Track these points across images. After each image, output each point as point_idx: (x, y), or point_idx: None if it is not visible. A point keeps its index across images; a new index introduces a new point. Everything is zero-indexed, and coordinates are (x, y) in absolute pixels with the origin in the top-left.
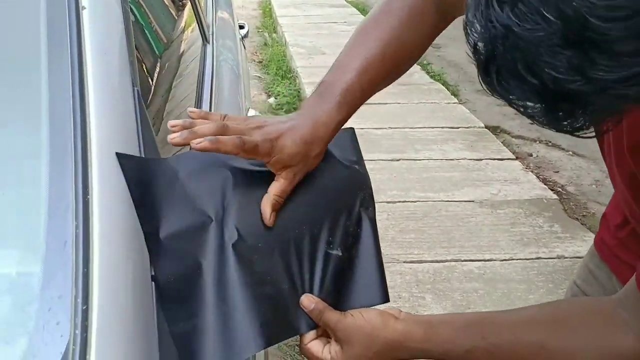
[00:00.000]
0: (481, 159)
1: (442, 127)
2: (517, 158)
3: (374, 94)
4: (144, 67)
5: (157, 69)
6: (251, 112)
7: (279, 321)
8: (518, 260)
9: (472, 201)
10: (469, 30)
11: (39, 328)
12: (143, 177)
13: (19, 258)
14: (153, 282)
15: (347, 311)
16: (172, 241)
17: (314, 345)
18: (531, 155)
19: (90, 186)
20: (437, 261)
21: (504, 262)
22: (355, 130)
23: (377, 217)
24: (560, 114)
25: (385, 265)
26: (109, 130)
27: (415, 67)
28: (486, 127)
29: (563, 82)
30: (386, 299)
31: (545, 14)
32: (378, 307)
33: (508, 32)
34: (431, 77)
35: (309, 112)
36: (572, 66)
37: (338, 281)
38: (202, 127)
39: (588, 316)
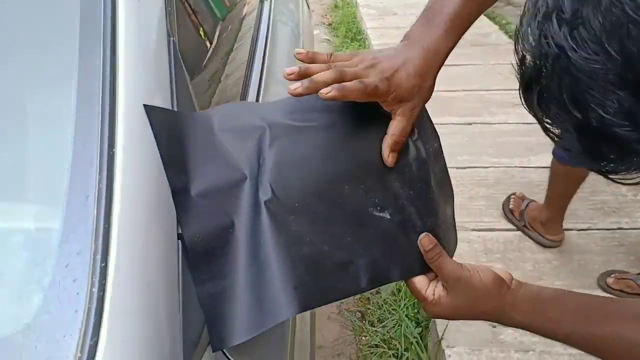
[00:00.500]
0: None
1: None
2: None
3: (477, 18)
4: (191, 21)
5: (207, 25)
6: None
7: (319, 285)
8: (597, 231)
9: (549, 167)
10: (519, 38)
11: (55, 284)
12: (173, 131)
13: (39, 212)
14: (179, 241)
15: (465, 264)
16: (204, 198)
17: (419, 280)
18: None
19: (115, 140)
20: (508, 229)
21: (582, 232)
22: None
23: None
24: (597, 154)
25: None
26: (138, 82)
27: (493, 27)
28: None
29: (609, 123)
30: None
31: (607, 46)
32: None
33: (561, 53)
34: (510, 37)
35: (418, 41)
36: (622, 109)
37: (384, 246)
38: (321, 75)
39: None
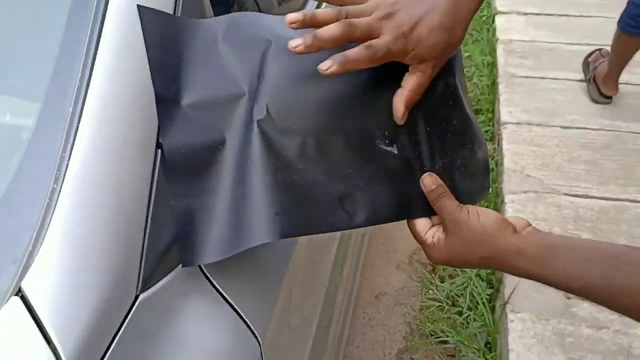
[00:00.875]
0: None
1: None
2: None
3: None
4: None
5: None
6: None
7: (306, 214)
8: None
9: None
10: None
11: (19, 177)
12: (167, 36)
13: (16, 104)
14: (159, 150)
15: (466, 205)
16: (196, 110)
17: (421, 222)
18: None
19: (100, 41)
20: (605, 198)
21: None
22: (545, 45)
23: (547, 143)
24: None
25: (541, 195)
26: None
27: None
28: None
29: None
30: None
31: None
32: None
33: None
34: None
35: None
36: None
37: (388, 183)
38: (326, 30)
39: None
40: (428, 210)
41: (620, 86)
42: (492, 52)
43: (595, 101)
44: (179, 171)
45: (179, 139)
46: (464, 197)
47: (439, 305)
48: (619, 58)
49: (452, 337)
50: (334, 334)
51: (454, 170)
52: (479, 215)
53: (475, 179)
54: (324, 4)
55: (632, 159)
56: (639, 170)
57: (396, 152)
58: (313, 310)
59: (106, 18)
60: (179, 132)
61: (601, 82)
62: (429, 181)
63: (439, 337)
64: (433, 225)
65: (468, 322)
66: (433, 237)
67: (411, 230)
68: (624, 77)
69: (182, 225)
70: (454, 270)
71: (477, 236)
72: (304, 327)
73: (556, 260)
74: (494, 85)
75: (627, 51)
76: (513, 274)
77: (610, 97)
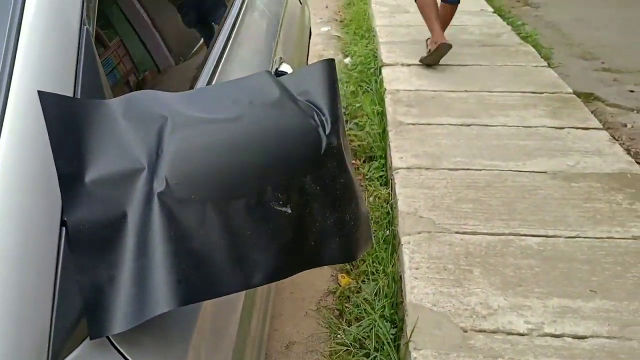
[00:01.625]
0: (563, 127)
1: (524, 92)
2: (607, 128)
3: None
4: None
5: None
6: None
7: (206, 279)
8: (585, 239)
9: (544, 172)
10: None
11: None
12: (67, 118)
13: None
14: (63, 227)
15: None
16: (98, 186)
17: None
18: (625, 126)
19: (3, 123)
20: (492, 234)
21: (569, 239)
22: (428, 93)
23: (436, 185)
24: None
25: (434, 235)
26: (38, 67)
27: (505, 27)
28: (576, 93)
29: None
30: (353, 257)
31: None
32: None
33: None
34: (522, 38)
35: None
36: None
37: (283, 241)
38: None
39: None
40: (319, 261)
41: (497, 128)
42: (381, 101)
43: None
44: (83, 246)
45: (82, 215)
46: (354, 248)
47: (347, 349)
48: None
49: None
50: None
51: (344, 225)
52: None
53: (363, 230)
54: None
55: (512, 195)
56: (519, 205)
57: (290, 211)
58: None
59: (8, 103)
60: (83, 209)
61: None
62: None
63: None
64: None
65: None
66: None
67: None
68: (500, 119)
69: (89, 298)
70: (360, 312)
71: None
72: None
73: None
74: (384, 132)
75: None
76: None
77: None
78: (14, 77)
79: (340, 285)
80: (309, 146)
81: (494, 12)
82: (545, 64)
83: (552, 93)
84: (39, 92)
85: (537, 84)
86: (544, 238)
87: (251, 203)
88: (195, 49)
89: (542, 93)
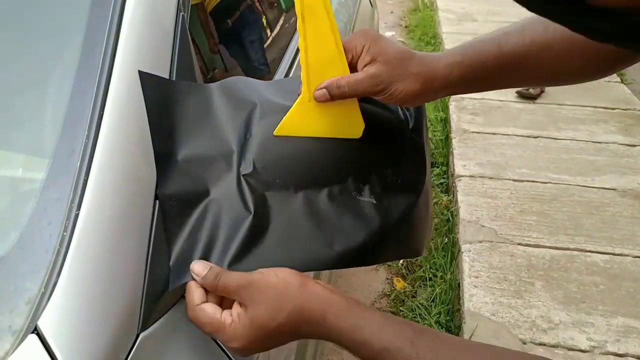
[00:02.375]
0: (635, 145)
1: (595, 107)
2: None
3: (497, 85)
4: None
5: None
6: None
7: (287, 255)
8: None
9: (614, 189)
10: None
11: (31, 225)
12: (165, 99)
13: (27, 160)
14: (156, 201)
15: (257, 270)
16: (189, 164)
17: (209, 306)
18: None
19: (106, 102)
20: (556, 248)
21: (637, 258)
22: (494, 102)
23: (499, 195)
24: None
25: (496, 245)
26: (138, 50)
27: None
28: None
29: None
30: (420, 253)
31: None
32: None
33: None
34: None
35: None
36: None
37: (367, 230)
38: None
39: None
40: (391, 255)
41: (565, 142)
42: (445, 108)
43: (522, 95)
44: (173, 219)
45: (173, 190)
46: (421, 245)
47: None
48: None
49: None
50: None
51: (416, 221)
52: (275, 272)
53: (429, 229)
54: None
55: (578, 210)
56: (586, 221)
57: (374, 202)
58: None
59: (112, 80)
60: (174, 184)
61: None
62: (198, 268)
63: None
64: (223, 310)
65: None
66: (231, 315)
67: (198, 318)
68: (569, 133)
69: (174, 255)
70: (414, 317)
71: (279, 291)
72: None
73: (361, 318)
74: (447, 139)
75: None
76: (313, 334)
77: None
78: (117, 59)
79: (396, 289)
80: (392, 139)
81: None
82: (619, 79)
83: (625, 110)
84: (139, 72)
85: (609, 99)
86: (611, 256)
87: (334, 191)
88: (270, 48)
89: (613, 109)
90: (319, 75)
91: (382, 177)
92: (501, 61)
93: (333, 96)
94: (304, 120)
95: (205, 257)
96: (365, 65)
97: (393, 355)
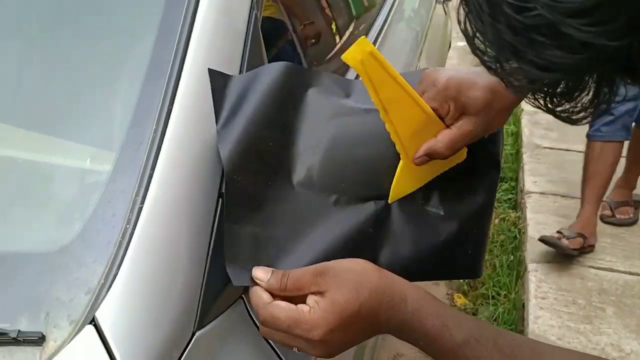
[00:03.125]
0: None
1: None
2: None
3: None
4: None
5: (311, 13)
6: None
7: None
8: None
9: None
10: None
11: (96, 216)
12: (233, 95)
13: (95, 152)
14: (220, 199)
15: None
16: (252, 163)
17: (282, 302)
18: None
19: (175, 98)
20: (631, 273)
21: None
22: None
23: (571, 214)
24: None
25: (565, 265)
26: (209, 48)
27: None
28: None
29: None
30: (480, 274)
31: None
32: None
33: None
34: None
35: None
36: None
37: (426, 241)
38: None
39: None
40: (451, 273)
41: None
42: (517, 122)
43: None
44: (235, 198)
45: (236, 167)
46: (481, 266)
47: None
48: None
49: None
50: None
51: (478, 240)
52: (346, 260)
53: (485, 250)
54: None
55: None
56: None
57: (442, 213)
58: None
59: (182, 76)
60: (237, 163)
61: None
62: (261, 274)
63: None
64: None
65: None
66: (308, 304)
67: (274, 316)
68: None
69: (230, 247)
70: None
71: (358, 272)
72: None
73: (444, 309)
74: (517, 154)
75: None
76: (396, 316)
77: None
78: (188, 56)
79: (456, 305)
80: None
81: None
82: None
83: None
84: (209, 69)
85: None
86: None
87: (399, 200)
88: (338, 54)
89: None
90: (414, 142)
91: (453, 188)
92: None
93: (434, 159)
94: (411, 178)
95: (260, 258)
96: (454, 121)
97: (474, 349)
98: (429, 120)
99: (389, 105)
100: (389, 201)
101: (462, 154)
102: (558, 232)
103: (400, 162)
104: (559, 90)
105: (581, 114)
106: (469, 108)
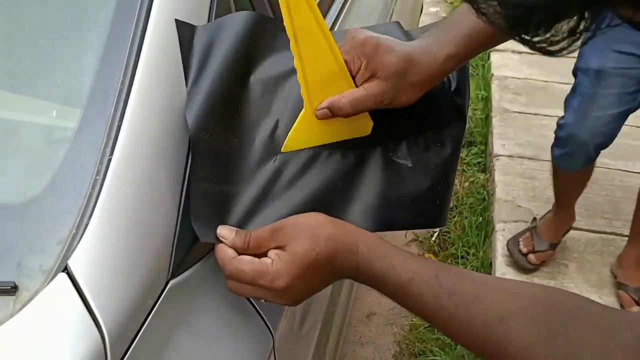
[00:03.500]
0: None
1: None
2: None
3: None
4: None
5: None
6: None
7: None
8: None
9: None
10: None
11: (64, 167)
12: (201, 44)
13: (62, 108)
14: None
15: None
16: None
17: (245, 256)
18: None
19: (142, 51)
20: (593, 231)
21: None
22: (538, 82)
23: (538, 175)
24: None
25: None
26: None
27: None
28: None
29: None
30: (444, 223)
31: None
32: None
33: None
34: None
35: (423, 39)
36: None
37: (395, 192)
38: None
39: (587, 320)
40: (416, 222)
41: None
42: (487, 87)
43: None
44: (201, 156)
45: (202, 126)
46: (445, 216)
47: (428, 326)
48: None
49: (441, 357)
50: (331, 350)
51: (444, 191)
52: (300, 215)
53: (449, 202)
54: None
55: (618, 195)
56: (624, 205)
57: (410, 165)
58: (314, 325)
59: (148, 27)
60: (204, 121)
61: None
62: (224, 232)
63: (428, 357)
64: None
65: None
66: (270, 257)
67: (238, 269)
68: None
69: (198, 204)
70: None
71: (312, 224)
72: (307, 337)
73: (389, 249)
74: (487, 119)
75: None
76: (349, 261)
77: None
78: (154, 6)
79: None
80: (432, 101)
81: None
82: None
83: None
84: (176, 20)
85: None
86: None
87: (366, 153)
88: None
89: None
90: (319, 91)
91: (420, 139)
92: (482, 34)
93: (335, 115)
94: (310, 132)
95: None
96: (364, 81)
97: (417, 285)
98: (339, 74)
99: (302, 36)
100: (282, 150)
101: (367, 127)
102: (534, 218)
103: (302, 110)
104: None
105: (560, 45)
106: (380, 71)
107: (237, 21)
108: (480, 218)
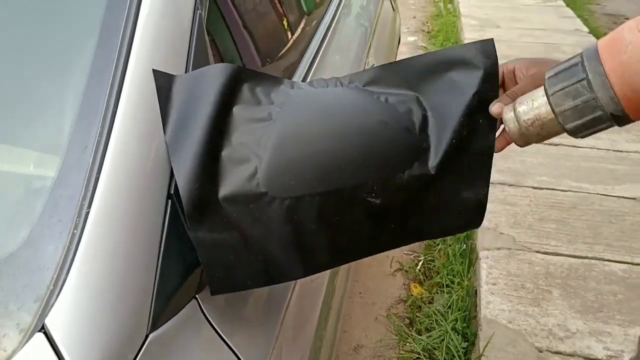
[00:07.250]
0: None
1: None
2: None
3: None
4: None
5: (258, 10)
6: None
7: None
8: None
9: (634, 198)
10: None
11: (42, 222)
12: (179, 93)
13: (39, 157)
14: (169, 200)
15: None
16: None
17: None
18: None
19: (120, 100)
20: (575, 256)
21: None
22: None
23: (519, 202)
24: None
25: (514, 252)
26: (153, 47)
27: None
28: None
29: None
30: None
31: None
32: None
33: None
34: None
35: None
36: None
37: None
38: None
39: None
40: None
41: (586, 150)
42: None
43: None
44: (195, 206)
45: (191, 179)
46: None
47: (417, 358)
48: None
49: None
50: None
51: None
52: None
53: (456, 214)
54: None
55: (598, 218)
56: (605, 229)
57: (378, 201)
58: None
59: (126, 78)
60: (192, 173)
61: None
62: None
63: None
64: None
65: None
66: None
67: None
68: (589, 141)
69: (206, 255)
70: (431, 323)
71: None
72: None
73: None
74: None
75: None
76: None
77: None
78: (131, 57)
79: (412, 295)
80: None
81: (589, 33)
82: None
83: None
84: (153, 70)
85: None
86: (630, 265)
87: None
88: (288, 50)
89: None
90: None
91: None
92: None
93: None
94: None
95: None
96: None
97: None
98: None
99: None
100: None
101: None
102: None
103: None
104: None
105: None
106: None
107: (215, 73)
108: (464, 246)
